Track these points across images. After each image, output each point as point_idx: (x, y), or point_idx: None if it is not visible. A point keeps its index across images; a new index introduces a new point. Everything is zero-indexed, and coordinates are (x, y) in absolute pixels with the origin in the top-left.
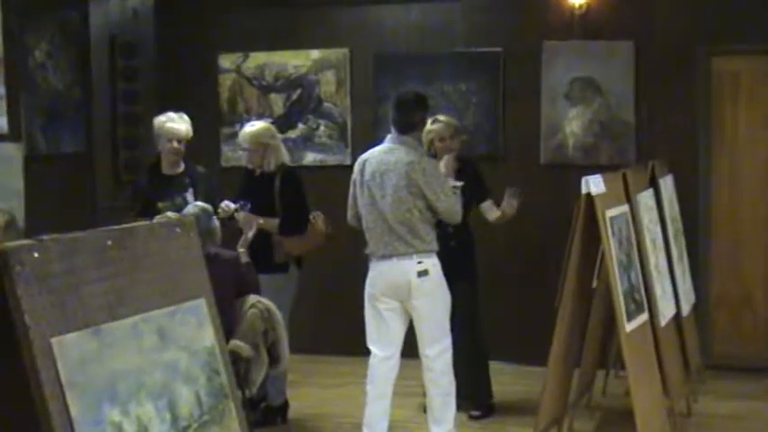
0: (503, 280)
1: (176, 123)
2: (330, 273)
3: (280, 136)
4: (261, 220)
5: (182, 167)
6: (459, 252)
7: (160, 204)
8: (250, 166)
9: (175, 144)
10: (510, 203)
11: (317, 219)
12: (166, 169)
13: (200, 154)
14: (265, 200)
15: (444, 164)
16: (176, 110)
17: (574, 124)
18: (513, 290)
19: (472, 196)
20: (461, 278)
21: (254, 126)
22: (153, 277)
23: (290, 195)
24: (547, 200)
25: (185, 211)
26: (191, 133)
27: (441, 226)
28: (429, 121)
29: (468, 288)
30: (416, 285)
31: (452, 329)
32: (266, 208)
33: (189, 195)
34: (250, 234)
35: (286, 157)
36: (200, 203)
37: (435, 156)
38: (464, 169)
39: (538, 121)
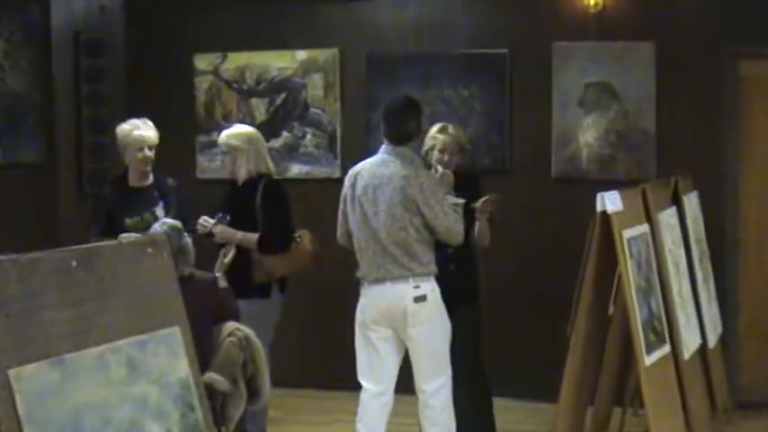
0: (508, 306)
1: (143, 130)
2: (317, 297)
3: (265, 144)
4: (239, 235)
5: (150, 179)
6: (460, 276)
7: (128, 221)
8: (230, 176)
9: (147, 152)
10: (482, 210)
11: (304, 237)
12: (135, 181)
13: (174, 164)
14: (245, 213)
15: (441, 178)
16: (147, 116)
17: (588, 134)
18: (520, 317)
19: (473, 214)
20: (462, 304)
21: (232, 128)
22: (122, 302)
23: (273, 208)
24: (558, 218)
25: (152, 230)
26: (158, 139)
27: (439, 247)
28: (436, 126)
29: (469, 314)
30: (413, 312)
31: (452, 361)
32: (246, 222)
33: (159, 210)
34: (229, 257)
35: (270, 166)
36: (168, 220)
37: (429, 166)
38: (465, 184)
39: (548, 130)
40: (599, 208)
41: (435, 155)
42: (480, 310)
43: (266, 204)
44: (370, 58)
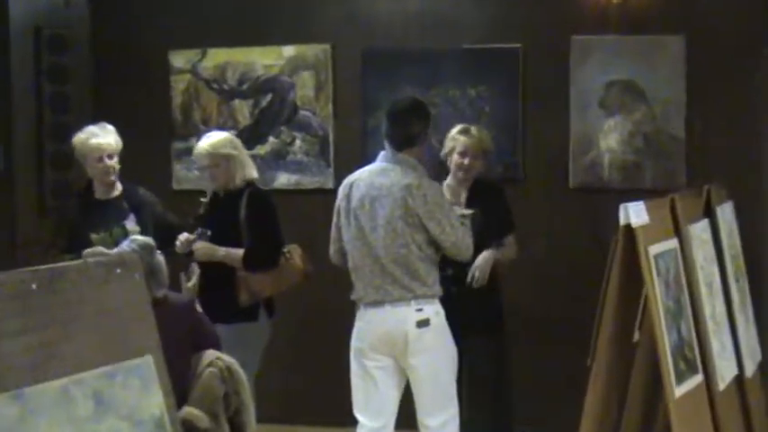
0: (523, 331)
1: (101, 137)
2: (308, 321)
3: (246, 151)
4: (222, 252)
5: (119, 190)
6: (480, 298)
7: (93, 236)
8: (213, 188)
9: (107, 161)
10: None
11: (294, 252)
12: (101, 193)
13: (147, 174)
14: (228, 227)
15: (448, 186)
16: (116, 120)
17: (610, 138)
18: (534, 344)
19: (496, 229)
20: (483, 331)
21: (210, 137)
22: (87, 329)
23: (259, 221)
24: (576, 232)
25: (119, 249)
26: (120, 143)
27: (456, 265)
28: (457, 127)
29: (492, 345)
30: (415, 338)
31: (473, 401)
32: (229, 237)
33: (130, 223)
34: (193, 280)
35: (254, 174)
36: (138, 237)
37: (448, 172)
38: (487, 196)
39: (566, 134)
40: (622, 221)
41: (455, 158)
42: (504, 341)
43: (252, 217)
44: (366, 54)
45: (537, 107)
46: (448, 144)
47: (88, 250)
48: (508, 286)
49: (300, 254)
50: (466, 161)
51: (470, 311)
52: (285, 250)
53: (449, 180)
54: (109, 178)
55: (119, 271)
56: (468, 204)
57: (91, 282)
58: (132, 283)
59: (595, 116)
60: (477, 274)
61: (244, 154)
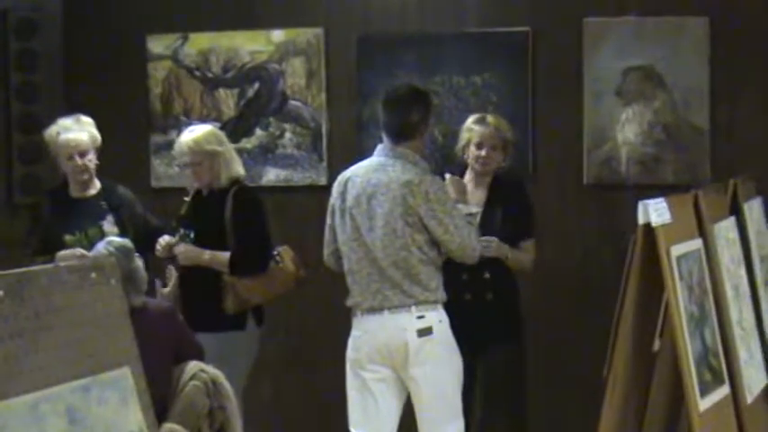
0: (533, 340)
1: (74, 132)
2: (300, 330)
3: (232, 145)
4: (207, 256)
5: (96, 188)
6: (497, 305)
7: (68, 237)
8: (196, 186)
9: (78, 160)
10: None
11: (284, 255)
12: (76, 191)
13: (124, 170)
14: (213, 228)
15: (450, 185)
16: (90, 111)
17: (628, 130)
18: (546, 354)
19: (516, 230)
20: (501, 341)
21: (193, 132)
22: (59, 340)
23: (246, 221)
24: (591, 232)
25: (95, 251)
26: (97, 138)
27: (472, 269)
28: (473, 117)
29: (511, 356)
30: (416, 348)
31: (488, 415)
32: (214, 239)
33: (107, 224)
34: (170, 286)
35: (241, 170)
36: (115, 239)
37: (467, 167)
38: (506, 193)
39: (579, 125)
40: (641, 220)
41: (472, 151)
42: (524, 351)
43: (238, 217)
44: (361, 40)
45: (547, 96)
46: (463, 136)
47: (62, 253)
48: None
49: (292, 257)
50: (483, 152)
51: (486, 320)
52: (275, 253)
53: (466, 177)
54: (82, 177)
55: (94, 276)
56: (488, 204)
57: (63, 288)
58: (108, 290)
59: (611, 106)
60: (494, 243)
61: (230, 149)
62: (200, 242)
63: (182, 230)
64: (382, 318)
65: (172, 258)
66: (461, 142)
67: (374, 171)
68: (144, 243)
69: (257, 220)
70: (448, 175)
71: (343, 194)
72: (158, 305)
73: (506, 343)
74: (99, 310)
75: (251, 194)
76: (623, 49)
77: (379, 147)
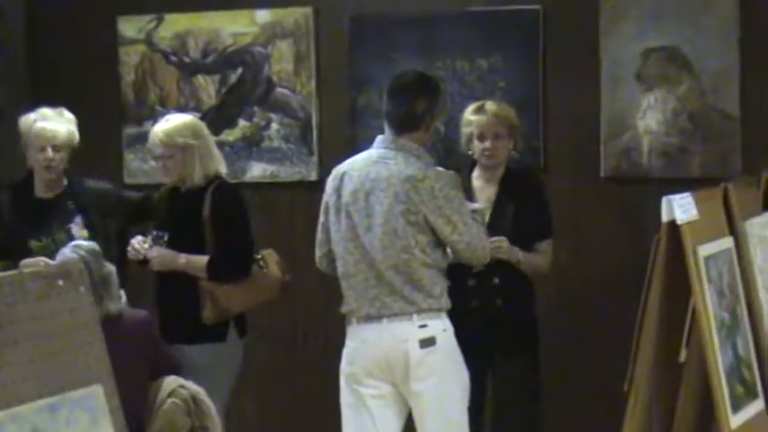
0: (546, 350)
1: (51, 122)
2: (287, 342)
3: (213, 137)
4: (183, 260)
5: (63, 186)
6: (508, 312)
7: (34, 243)
8: (168, 181)
9: (50, 153)
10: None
11: (269, 258)
12: (42, 191)
13: (94, 166)
14: (189, 229)
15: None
16: (55, 101)
17: (650, 117)
18: (562, 365)
19: (531, 230)
20: (514, 352)
21: (168, 122)
22: (23, 355)
23: (226, 221)
24: (610, 231)
25: (59, 258)
26: (75, 137)
27: (477, 275)
28: (471, 107)
29: (525, 367)
30: (418, 360)
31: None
32: (191, 241)
33: (75, 226)
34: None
35: (221, 166)
36: (83, 243)
37: (474, 164)
38: (520, 187)
39: (596, 113)
40: (665, 217)
41: (475, 145)
42: (538, 363)
43: (217, 217)
44: (354, 20)
45: (561, 81)
46: (464, 130)
47: (26, 261)
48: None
49: (277, 260)
50: (488, 144)
51: (495, 329)
52: (258, 256)
53: (475, 173)
54: (49, 175)
55: (61, 283)
56: (498, 201)
57: (27, 297)
58: (77, 298)
59: (631, 91)
60: (504, 245)
61: (207, 143)
62: (176, 245)
63: (155, 232)
64: (380, 327)
65: (144, 262)
66: (463, 137)
67: (373, 164)
68: (122, 238)
69: (238, 221)
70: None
71: (338, 190)
72: (134, 314)
73: (519, 354)
74: (67, 321)
75: (231, 192)
76: (644, 28)
77: (379, 138)
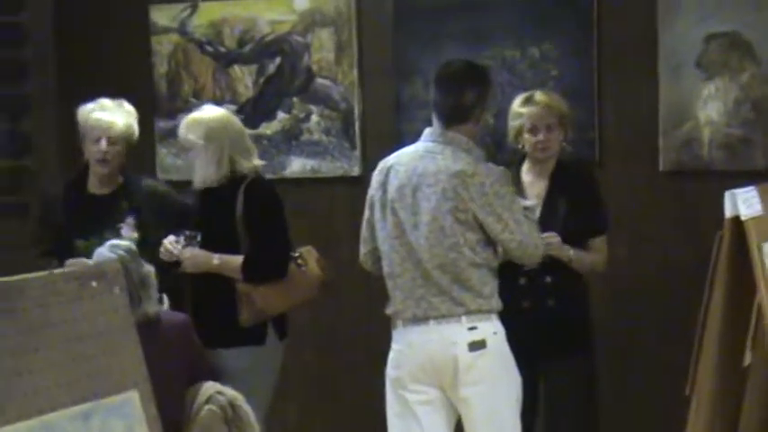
0: (603, 353)
1: (109, 113)
2: (330, 345)
3: (248, 131)
4: (216, 260)
5: (118, 183)
6: (560, 313)
7: (80, 243)
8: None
9: (104, 145)
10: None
11: (308, 256)
12: (96, 187)
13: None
14: (223, 228)
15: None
16: (88, 93)
17: (711, 107)
18: (620, 369)
19: (584, 225)
20: (568, 353)
21: (193, 114)
22: (55, 359)
23: (261, 219)
24: (669, 227)
25: (95, 258)
26: (133, 131)
27: (532, 272)
28: (518, 99)
29: (580, 370)
30: (467, 364)
31: None
32: (224, 241)
33: (126, 228)
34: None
35: (255, 161)
36: (120, 242)
37: (524, 157)
38: (571, 182)
39: (654, 103)
40: (728, 212)
41: (526, 138)
42: (594, 366)
43: (251, 214)
44: (398, 7)
45: (617, 69)
46: (512, 123)
47: (70, 261)
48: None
49: (316, 258)
50: (540, 136)
51: (548, 330)
52: (296, 254)
53: (524, 167)
54: (102, 169)
55: (94, 285)
56: (549, 196)
57: (59, 298)
58: (111, 300)
59: (691, 79)
60: (555, 240)
61: (222, 143)
62: (210, 245)
63: (187, 231)
64: (428, 329)
65: (176, 264)
66: (512, 131)
67: (420, 158)
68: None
69: (273, 218)
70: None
71: (384, 185)
72: (172, 317)
73: (573, 357)
74: (101, 324)
75: (265, 188)
76: (704, 13)
77: (427, 130)
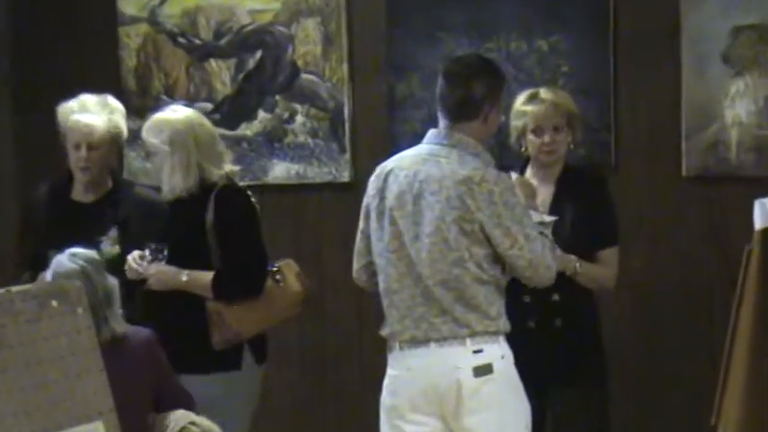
0: (619, 375)
1: (88, 116)
2: (315, 369)
3: (226, 132)
4: (185, 277)
5: (105, 190)
6: (569, 334)
7: (54, 254)
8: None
9: (84, 152)
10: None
11: (287, 271)
12: (79, 193)
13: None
14: (192, 241)
15: (517, 186)
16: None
17: (739, 106)
18: (637, 394)
19: (591, 235)
20: (578, 379)
21: (165, 113)
22: (13, 385)
23: (231, 230)
24: (693, 237)
25: (54, 268)
26: (119, 131)
27: (537, 290)
28: (522, 96)
29: (589, 397)
30: (472, 391)
31: None
32: (194, 255)
33: (107, 241)
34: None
35: (227, 167)
36: (81, 251)
37: (528, 160)
38: (579, 189)
39: (677, 101)
40: (758, 222)
41: (531, 140)
42: (608, 392)
43: (222, 225)
44: None
45: (635, 65)
46: (514, 123)
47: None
48: (604, 311)
49: (296, 272)
50: (546, 138)
51: (556, 353)
52: (274, 269)
53: (528, 172)
54: (83, 176)
55: (54, 304)
56: (555, 204)
57: (16, 319)
58: (74, 321)
59: (717, 76)
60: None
61: (189, 148)
62: (178, 260)
63: (153, 245)
64: (428, 352)
65: (142, 281)
66: (514, 131)
67: (423, 162)
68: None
69: (247, 228)
70: (514, 175)
71: (382, 191)
72: (139, 334)
73: (583, 382)
74: (63, 347)
75: (238, 195)
76: (731, 2)
77: (431, 132)
